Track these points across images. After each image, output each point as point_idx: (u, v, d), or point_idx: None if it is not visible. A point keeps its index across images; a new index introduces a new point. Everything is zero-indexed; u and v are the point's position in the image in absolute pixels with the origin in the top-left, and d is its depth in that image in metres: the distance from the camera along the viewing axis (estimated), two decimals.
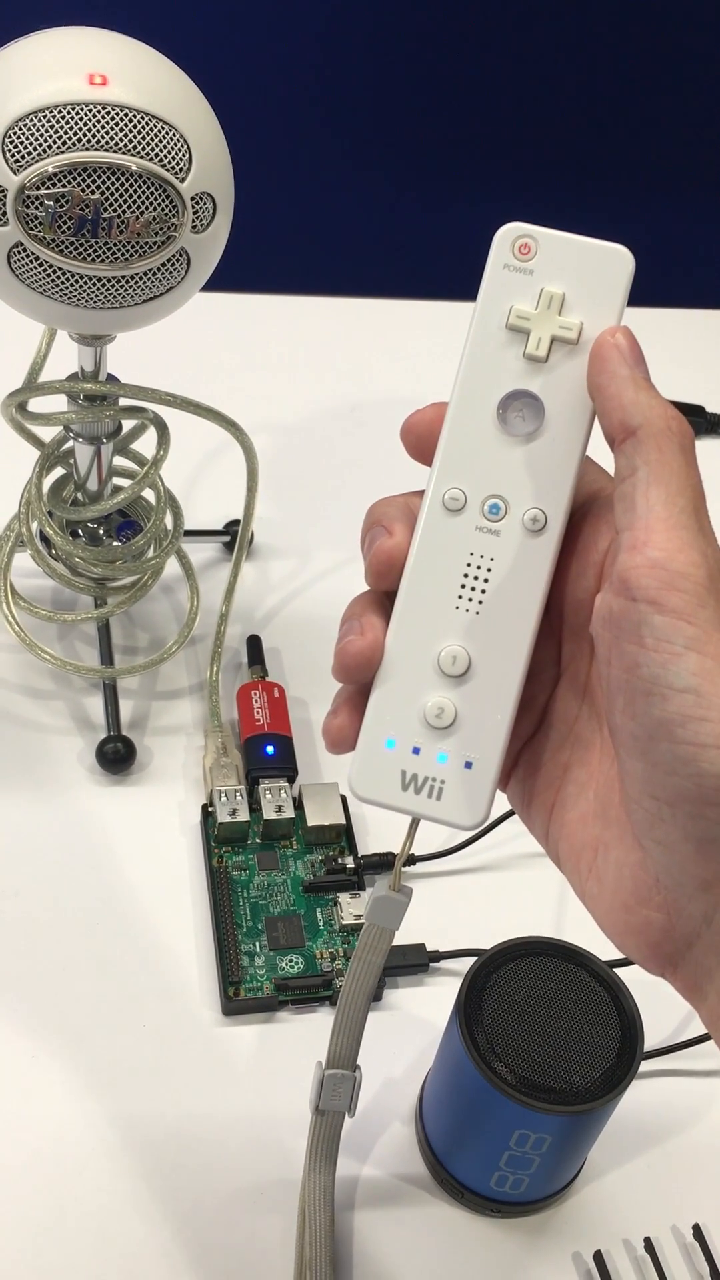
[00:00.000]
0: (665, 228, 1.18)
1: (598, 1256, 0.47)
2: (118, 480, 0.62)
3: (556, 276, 0.32)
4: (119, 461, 0.62)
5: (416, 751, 0.33)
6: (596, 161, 1.21)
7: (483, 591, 0.33)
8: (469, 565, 0.33)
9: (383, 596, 0.34)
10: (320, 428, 0.82)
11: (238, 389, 0.81)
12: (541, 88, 1.16)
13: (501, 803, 0.35)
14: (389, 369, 0.87)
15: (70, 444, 0.59)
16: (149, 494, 0.63)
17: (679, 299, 0.93)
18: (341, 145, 1.17)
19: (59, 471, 0.62)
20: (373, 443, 0.78)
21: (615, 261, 0.32)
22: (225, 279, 0.55)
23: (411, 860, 0.58)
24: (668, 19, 1.12)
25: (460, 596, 0.33)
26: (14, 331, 0.58)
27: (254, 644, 0.66)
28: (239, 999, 0.52)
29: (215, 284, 0.52)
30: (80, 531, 0.63)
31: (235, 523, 0.72)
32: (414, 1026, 0.53)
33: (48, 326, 0.56)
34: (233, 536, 0.71)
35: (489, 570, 0.33)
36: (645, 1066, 0.52)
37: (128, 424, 0.60)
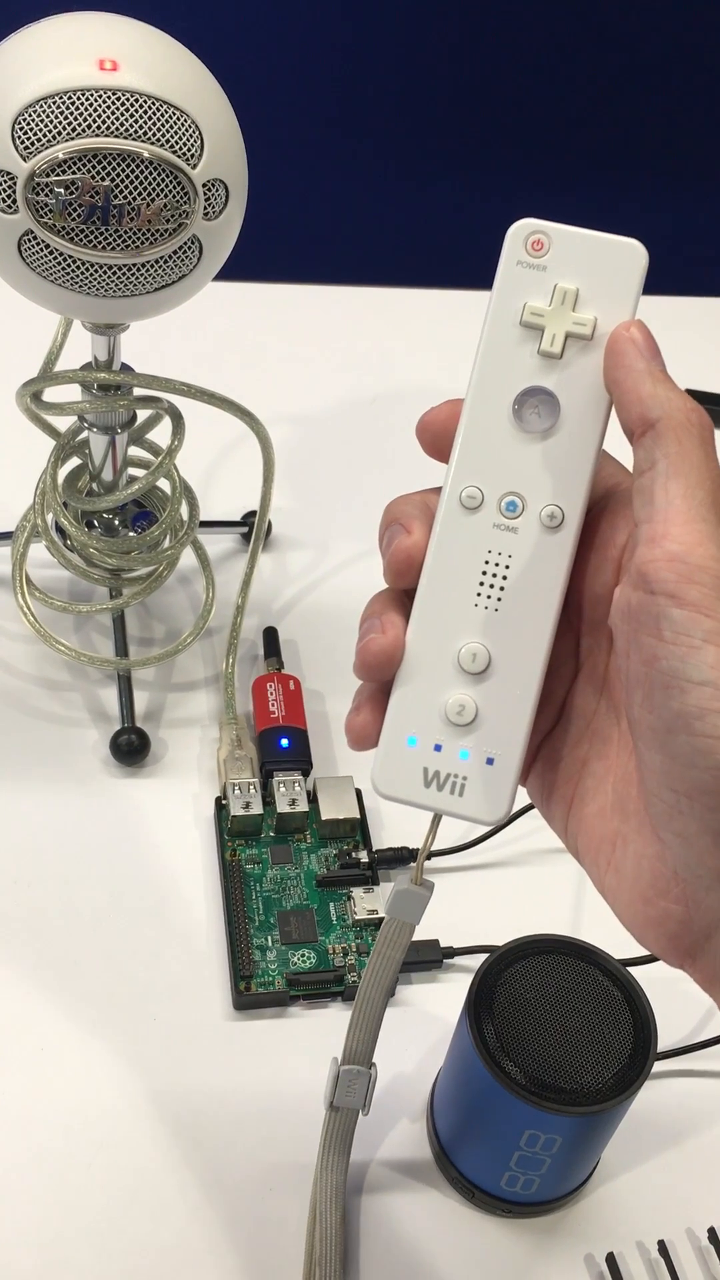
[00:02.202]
0: (683, 214, 1.17)
1: (610, 1259, 0.46)
2: (133, 470, 0.62)
3: (570, 272, 0.32)
4: (134, 452, 0.61)
5: (438, 748, 0.34)
6: (616, 146, 1.20)
7: (501, 589, 0.33)
8: (487, 563, 0.33)
9: (402, 594, 0.35)
10: (337, 418, 0.81)
11: (254, 379, 0.80)
12: (566, 72, 1.15)
13: (515, 799, 0.35)
14: (407, 359, 0.86)
15: (85, 434, 0.59)
16: (164, 484, 0.62)
17: (697, 287, 0.92)
18: (359, 131, 1.16)
19: (74, 462, 0.61)
20: (390, 433, 0.78)
21: (628, 256, 0.32)
22: (241, 267, 0.54)
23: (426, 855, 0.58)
24: (686, 5, 1.10)
25: (479, 594, 0.33)
26: (29, 321, 0.58)
27: (270, 636, 0.66)
28: (250, 993, 0.52)
29: (231, 273, 0.52)
30: (96, 522, 0.63)
31: (252, 514, 0.71)
32: (426, 1023, 0.53)
33: (62, 316, 0.56)
34: (250, 528, 0.71)
35: (507, 567, 0.33)
36: (661, 1067, 0.52)
37: (142, 414, 0.59)
